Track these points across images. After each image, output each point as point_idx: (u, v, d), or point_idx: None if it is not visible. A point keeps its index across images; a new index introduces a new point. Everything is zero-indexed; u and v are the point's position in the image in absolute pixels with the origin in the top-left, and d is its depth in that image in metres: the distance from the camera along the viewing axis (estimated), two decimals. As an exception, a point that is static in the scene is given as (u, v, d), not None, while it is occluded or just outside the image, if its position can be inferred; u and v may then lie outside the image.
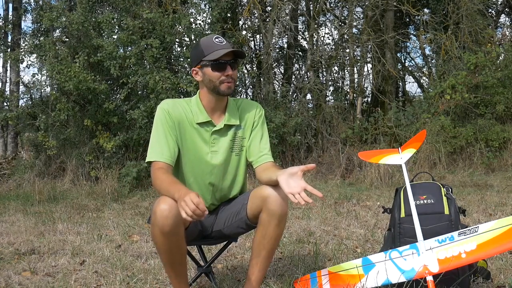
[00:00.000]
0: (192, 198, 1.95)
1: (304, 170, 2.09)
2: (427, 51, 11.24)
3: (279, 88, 9.98)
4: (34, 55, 8.33)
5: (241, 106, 2.49)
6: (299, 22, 10.96)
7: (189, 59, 7.98)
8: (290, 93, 9.72)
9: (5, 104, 9.49)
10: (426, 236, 2.37)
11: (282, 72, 11.03)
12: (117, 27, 8.07)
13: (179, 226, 2.16)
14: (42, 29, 9.13)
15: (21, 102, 9.58)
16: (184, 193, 2.00)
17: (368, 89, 11.06)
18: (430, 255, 2.30)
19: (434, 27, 9.63)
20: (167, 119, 2.35)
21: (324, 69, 10.62)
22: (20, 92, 9.67)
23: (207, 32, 8.18)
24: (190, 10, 8.39)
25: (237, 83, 9.26)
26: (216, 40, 2.33)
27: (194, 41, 8.25)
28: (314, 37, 9.90)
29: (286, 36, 9.87)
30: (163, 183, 2.18)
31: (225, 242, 2.65)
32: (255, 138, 2.46)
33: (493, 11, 11.94)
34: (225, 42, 2.33)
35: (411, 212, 2.45)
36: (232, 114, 2.43)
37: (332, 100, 10.06)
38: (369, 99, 11.53)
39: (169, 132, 2.34)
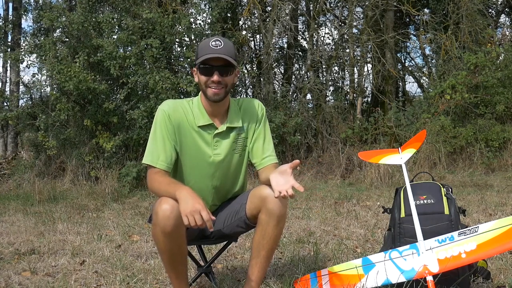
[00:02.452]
0: (204, 215, 2.00)
1: (292, 167, 2.13)
2: (427, 51, 11.26)
3: (279, 88, 9.99)
4: (34, 55, 8.33)
5: (243, 106, 2.46)
6: (299, 22, 10.96)
7: (189, 59, 8.00)
8: (290, 93, 9.72)
9: (5, 104, 9.49)
10: (426, 236, 2.37)
11: (282, 72, 11.04)
12: (117, 27, 8.07)
13: (181, 226, 2.16)
14: (43, 29, 9.13)
15: (21, 102, 9.59)
16: (191, 199, 2.03)
17: (368, 89, 11.08)
18: (430, 255, 2.30)
19: (434, 27, 9.63)
20: (167, 122, 2.33)
21: (324, 69, 10.63)
22: (20, 92, 9.67)
23: (207, 32, 8.18)
24: (190, 10, 8.40)
25: (237, 83, 9.32)
26: (213, 43, 2.25)
27: (194, 41, 8.26)
28: (314, 37, 9.91)
29: (286, 36, 9.87)
30: (161, 184, 2.20)
31: (225, 242, 2.65)
32: (258, 139, 2.44)
33: (493, 11, 11.94)
34: (221, 46, 2.24)
35: (411, 212, 2.45)
36: (234, 116, 2.41)
37: (332, 100, 10.07)
38: (369, 99, 11.54)
39: (167, 136, 2.33)
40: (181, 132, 2.36)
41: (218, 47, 2.24)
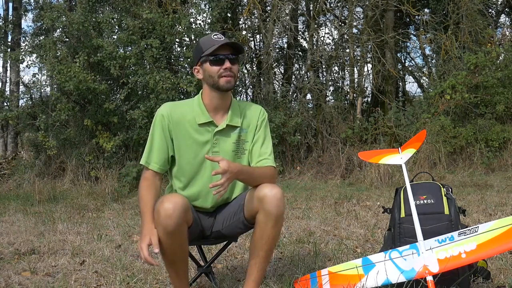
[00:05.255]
0: (141, 255, 2.18)
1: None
2: (427, 51, 11.25)
3: (279, 88, 9.98)
4: (34, 55, 8.33)
5: (245, 108, 2.47)
6: (299, 22, 10.96)
7: (189, 59, 7.99)
8: (290, 93, 9.71)
9: (5, 104, 9.49)
10: (426, 236, 2.36)
11: (282, 72, 11.03)
12: (117, 27, 8.07)
13: (183, 226, 2.17)
14: (43, 28, 9.13)
15: (21, 102, 9.58)
16: (145, 233, 2.20)
17: (368, 89, 11.07)
18: (430, 255, 2.29)
19: (434, 27, 9.63)
20: (163, 126, 2.36)
21: (324, 69, 10.63)
22: (20, 92, 9.67)
23: (207, 32, 8.18)
24: (190, 10, 8.39)
25: (237, 83, 9.31)
26: (215, 36, 2.33)
27: (194, 41, 8.26)
28: (314, 37, 9.91)
29: (286, 36, 9.87)
30: (141, 202, 2.35)
31: (225, 242, 2.65)
32: (257, 142, 2.44)
33: (493, 11, 11.94)
34: (223, 37, 2.33)
35: (411, 212, 2.45)
36: (234, 115, 2.42)
37: (332, 100, 10.06)
38: (369, 99, 11.54)
39: (163, 139, 2.36)
40: (180, 133, 2.37)
41: (222, 39, 2.33)
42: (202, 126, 2.37)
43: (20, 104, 9.44)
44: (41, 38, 8.67)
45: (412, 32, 11.85)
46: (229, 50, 2.32)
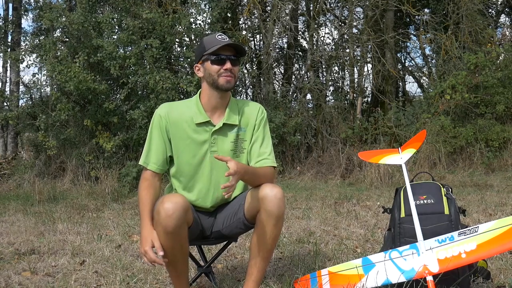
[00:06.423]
0: (147, 259, 2.18)
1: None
2: (427, 51, 11.25)
3: (279, 88, 9.99)
4: (34, 55, 8.33)
5: (243, 107, 2.46)
6: (299, 22, 10.96)
7: (189, 59, 7.99)
8: (290, 93, 9.72)
9: (5, 104, 9.49)
10: (426, 236, 2.36)
11: (282, 72, 11.04)
12: (117, 27, 8.07)
13: (183, 226, 2.17)
14: (43, 28, 9.13)
15: (21, 102, 9.59)
16: (145, 236, 2.19)
17: (368, 89, 11.07)
18: (430, 255, 2.29)
19: (434, 27, 9.63)
20: (161, 126, 2.37)
21: (324, 69, 10.63)
22: (20, 92, 9.67)
23: (207, 32, 8.18)
24: (190, 10, 8.40)
25: (237, 83, 9.32)
26: (219, 36, 2.34)
27: (194, 41, 8.26)
28: (314, 37, 9.91)
29: (286, 36, 9.87)
30: (140, 203, 2.35)
31: (225, 242, 2.65)
32: (256, 142, 2.43)
33: (493, 11, 11.94)
34: (227, 38, 2.34)
35: (411, 212, 2.45)
36: (232, 113, 2.41)
37: (332, 100, 10.07)
38: (369, 99, 11.54)
39: (161, 140, 2.37)
40: (178, 133, 2.37)
41: (226, 39, 2.33)
42: (200, 126, 2.37)
43: (20, 104, 9.45)
44: (41, 38, 8.66)
45: (412, 32, 11.86)
46: (231, 51, 2.33)
